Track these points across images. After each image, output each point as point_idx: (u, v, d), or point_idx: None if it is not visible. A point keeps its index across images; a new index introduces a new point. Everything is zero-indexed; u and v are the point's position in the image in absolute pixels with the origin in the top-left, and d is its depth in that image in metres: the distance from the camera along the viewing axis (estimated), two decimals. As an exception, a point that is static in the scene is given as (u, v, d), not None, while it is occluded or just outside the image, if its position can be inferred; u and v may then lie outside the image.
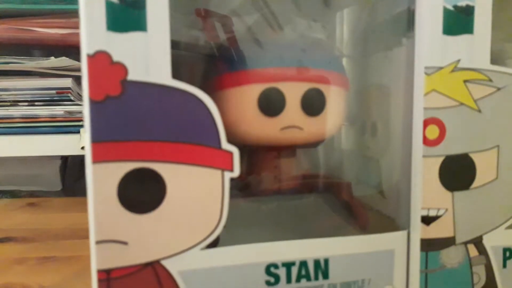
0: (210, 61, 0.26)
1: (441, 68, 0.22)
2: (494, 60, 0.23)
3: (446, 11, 0.22)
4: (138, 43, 0.19)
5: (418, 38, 0.22)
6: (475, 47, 0.22)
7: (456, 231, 0.22)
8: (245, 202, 0.26)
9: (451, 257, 0.22)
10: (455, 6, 0.22)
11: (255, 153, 0.26)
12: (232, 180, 0.21)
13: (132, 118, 0.19)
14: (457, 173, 0.22)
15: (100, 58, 0.19)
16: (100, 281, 0.19)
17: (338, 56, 0.28)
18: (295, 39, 0.26)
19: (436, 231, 0.22)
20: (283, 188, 0.27)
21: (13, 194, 0.49)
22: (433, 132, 0.22)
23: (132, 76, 0.19)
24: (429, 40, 0.22)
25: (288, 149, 0.26)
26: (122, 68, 0.19)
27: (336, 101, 0.25)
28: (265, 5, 0.25)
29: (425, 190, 0.22)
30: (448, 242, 0.22)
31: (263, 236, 0.22)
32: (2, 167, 0.50)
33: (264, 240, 0.21)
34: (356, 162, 0.30)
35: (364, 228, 0.25)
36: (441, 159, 0.22)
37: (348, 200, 0.27)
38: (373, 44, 0.28)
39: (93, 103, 0.19)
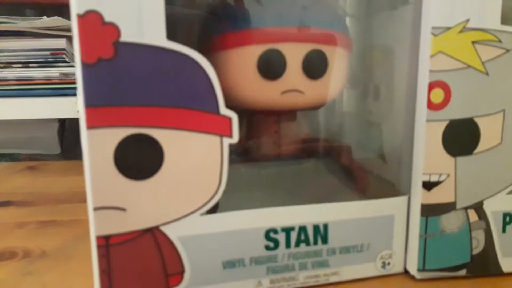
0: (206, 20, 0.24)
1: (449, 28, 0.21)
2: (505, 20, 0.22)
3: (456, -33, 0.20)
4: (130, 2, 0.18)
5: (426, -4, 0.21)
6: (485, 6, 0.21)
7: (457, 196, 0.22)
8: (245, 168, 0.25)
9: (451, 222, 0.22)
10: (466, -38, 0.21)
11: (254, 118, 0.25)
12: (231, 145, 0.20)
13: (127, 82, 0.19)
14: (461, 138, 0.21)
15: (91, 18, 0.18)
16: (99, 246, 0.19)
17: (341, 15, 0.27)
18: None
19: (437, 196, 0.22)
20: (283, 153, 0.26)
21: (12, 158, 0.49)
22: (438, 96, 0.21)
23: (125, 37, 0.18)
24: (436, -1, 0.21)
25: (288, 113, 0.25)
26: (114, 29, 0.18)
27: (339, 63, 0.24)
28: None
29: (428, 155, 0.21)
30: (448, 207, 0.22)
31: (263, 201, 0.22)
32: (0, 131, 0.49)
33: (263, 206, 0.21)
34: (357, 126, 0.30)
35: (363, 191, 0.25)
36: (445, 124, 0.21)
37: (348, 164, 0.27)
38: (377, 2, 0.27)
39: (85, 66, 0.18)
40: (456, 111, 0.21)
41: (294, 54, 0.23)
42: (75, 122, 0.51)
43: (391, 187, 0.24)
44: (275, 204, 0.21)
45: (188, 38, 0.23)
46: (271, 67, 0.23)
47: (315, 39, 0.23)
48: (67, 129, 0.51)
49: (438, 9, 0.21)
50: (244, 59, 0.23)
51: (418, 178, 0.22)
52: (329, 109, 0.28)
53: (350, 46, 0.25)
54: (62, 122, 0.51)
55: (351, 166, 0.27)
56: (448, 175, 0.22)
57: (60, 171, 0.40)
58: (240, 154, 0.26)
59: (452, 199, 0.22)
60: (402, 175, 0.23)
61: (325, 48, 0.23)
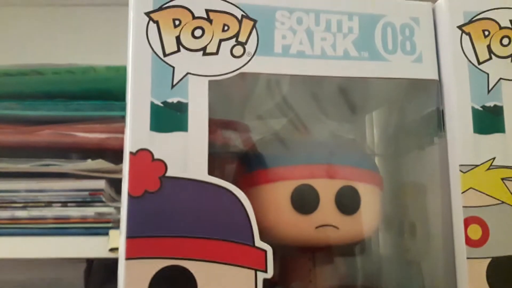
0: (242, 158, 0.27)
1: (476, 166, 0.23)
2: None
3: (474, 111, 0.23)
4: (178, 142, 0.21)
5: (450, 137, 0.23)
6: (509, 145, 0.23)
7: None
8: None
9: None
10: (483, 106, 0.23)
11: (289, 256, 0.26)
12: (265, 281, 0.21)
13: (168, 213, 0.20)
14: (507, 275, 0.21)
15: (142, 156, 0.21)
16: None
17: (369, 154, 0.29)
18: (326, 138, 0.27)
19: None
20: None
21: (34, 299, 0.48)
22: (475, 232, 0.22)
23: (170, 172, 0.20)
24: (461, 139, 0.23)
25: (324, 253, 0.25)
26: (162, 165, 0.21)
27: (371, 199, 0.25)
28: (292, 110, 0.27)
29: (474, 295, 0.21)
30: None
31: None
32: (27, 270, 0.50)
33: None
34: (396, 267, 0.29)
35: None
36: (487, 261, 0.21)
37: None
38: (404, 143, 0.29)
39: (132, 198, 0.20)
40: (497, 247, 0.21)
41: (327, 189, 0.24)
42: (102, 263, 0.51)
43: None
44: None
45: (225, 174, 0.26)
46: (304, 201, 0.24)
47: (346, 176, 0.25)
48: (94, 270, 0.51)
49: (463, 148, 0.23)
50: (278, 193, 0.24)
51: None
52: (366, 252, 0.28)
53: (381, 183, 0.26)
54: (90, 262, 0.51)
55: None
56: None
57: (83, 312, 0.39)
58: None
59: None
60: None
61: (357, 185, 0.25)
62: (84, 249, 0.43)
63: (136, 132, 0.21)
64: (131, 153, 0.20)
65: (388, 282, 0.29)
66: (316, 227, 0.24)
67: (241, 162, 0.27)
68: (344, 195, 0.24)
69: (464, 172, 0.22)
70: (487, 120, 0.23)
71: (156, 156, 0.20)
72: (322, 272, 0.26)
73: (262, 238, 0.21)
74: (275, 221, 0.24)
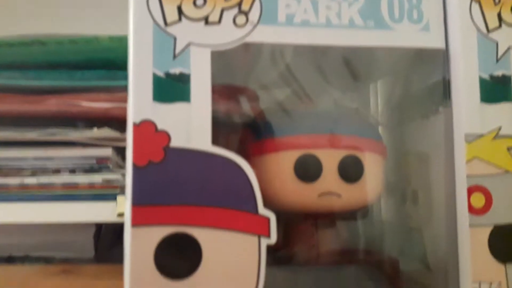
0: (246, 129, 0.27)
1: (481, 135, 0.22)
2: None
3: (482, 81, 0.22)
4: (181, 113, 0.20)
5: (456, 107, 0.23)
6: (515, 114, 0.23)
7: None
8: (282, 272, 0.25)
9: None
10: (491, 76, 0.22)
11: (293, 222, 0.26)
12: (268, 248, 0.21)
13: (172, 183, 0.20)
14: (509, 243, 0.21)
15: (146, 127, 0.20)
16: None
17: (373, 124, 0.28)
18: (330, 108, 0.27)
19: (490, 308, 0.20)
20: (322, 260, 0.26)
21: (46, 260, 0.49)
22: (478, 200, 0.22)
23: (174, 143, 0.20)
24: (467, 108, 0.22)
25: (326, 219, 0.26)
26: (165, 136, 0.20)
27: (374, 168, 0.25)
28: (295, 79, 0.27)
29: (475, 262, 0.21)
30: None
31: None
32: (38, 234, 0.51)
33: None
34: (397, 233, 0.29)
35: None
36: (489, 229, 0.21)
37: (395, 278, 0.26)
38: (408, 112, 0.29)
39: (136, 168, 0.20)
40: (499, 215, 0.21)
41: (330, 158, 0.24)
42: (111, 227, 0.52)
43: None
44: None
45: (229, 144, 0.25)
46: (307, 170, 0.24)
47: (349, 145, 0.25)
48: (103, 234, 0.52)
49: (468, 118, 0.22)
50: (282, 163, 0.24)
51: (467, 286, 0.21)
52: (368, 217, 0.28)
53: (384, 152, 0.26)
54: (98, 227, 0.52)
55: (397, 280, 0.26)
56: (500, 283, 0.21)
57: (94, 275, 0.40)
58: (277, 258, 0.26)
59: (507, 311, 0.20)
60: (449, 284, 0.22)
61: (360, 154, 0.25)
62: (93, 214, 0.44)
63: (138, 103, 0.20)
64: (134, 124, 0.20)
65: (389, 247, 0.29)
66: (319, 195, 0.24)
67: (245, 132, 0.27)
68: (346, 164, 0.24)
69: (470, 142, 0.22)
70: (495, 90, 0.22)
71: (159, 127, 0.20)
72: (324, 237, 0.26)
73: (267, 206, 0.21)
74: (279, 190, 0.24)
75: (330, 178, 0.24)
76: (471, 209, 0.21)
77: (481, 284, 0.21)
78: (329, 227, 0.26)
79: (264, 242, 0.20)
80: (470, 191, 0.22)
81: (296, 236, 0.26)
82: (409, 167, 0.28)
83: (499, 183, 0.22)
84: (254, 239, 0.20)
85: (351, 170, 0.24)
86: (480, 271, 0.21)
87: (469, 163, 0.22)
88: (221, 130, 0.25)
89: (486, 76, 0.22)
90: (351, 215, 0.26)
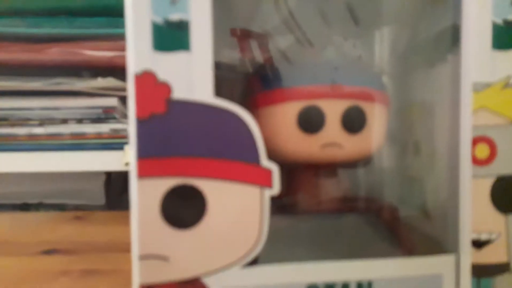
0: (250, 79, 0.26)
1: (490, 84, 0.21)
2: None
3: (495, 26, 0.21)
4: (182, 62, 0.20)
5: (465, 54, 0.21)
6: (526, 62, 0.21)
7: (511, 256, 0.21)
8: (285, 221, 0.25)
9: (506, 285, 0.20)
10: (504, 21, 0.21)
11: (295, 172, 0.26)
12: (272, 198, 0.21)
13: (176, 135, 0.20)
14: (510, 194, 0.21)
15: (146, 77, 0.19)
16: (142, 295, 0.19)
17: (378, 73, 0.27)
18: (334, 57, 0.25)
19: (488, 256, 0.20)
20: (324, 208, 0.26)
21: (60, 207, 0.51)
22: (483, 151, 0.21)
23: (176, 94, 0.19)
24: (477, 55, 0.21)
25: (328, 169, 0.25)
26: (167, 87, 0.20)
27: (377, 119, 0.25)
28: (298, 26, 0.25)
29: (476, 212, 0.21)
30: (502, 268, 0.20)
31: (302, 255, 0.21)
32: (51, 182, 0.52)
33: (303, 260, 0.21)
34: (398, 182, 0.29)
35: (409, 253, 0.24)
36: (492, 180, 0.21)
37: (394, 225, 0.26)
38: (415, 61, 0.27)
39: (139, 121, 0.19)
40: (503, 166, 0.21)
41: (333, 109, 0.23)
42: (120, 175, 0.53)
43: (437, 244, 0.23)
44: (315, 259, 0.21)
45: (232, 95, 0.25)
46: (310, 121, 0.23)
47: (353, 95, 0.24)
48: (113, 181, 0.53)
49: (478, 65, 0.21)
50: (284, 114, 0.23)
51: (466, 236, 0.21)
52: (369, 165, 0.28)
53: (387, 102, 0.25)
54: (108, 175, 0.53)
55: (396, 228, 0.26)
56: (500, 234, 0.20)
57: (105, 221, 0.41)
58: (281, 207, 0.26)
59: (505, 259, 0.20)
60: (448, 232, 0.22)
61: (363, 104, 0.24)
62: (101, 163, 0.44)
63: (138, 52, 0.19)
64: (135, 74, 0.19)
65: (390, 196, 0.29)
66: (321, 146, 0.23)
67: (249, 83, 0.26)
68: (350, 114, 0.24)
69: (478, 91, 0.21)
70: (508, 35, 0.21)
71: (160, 78, 0.19)
72: (326, 186, 0.26)
73: (271, 157, 0.20)
74: (283, 141, 0.24)
75: (332, 129, 0.23)
76: (474, 160, 0.21)
77: (481, 234, 0.20)
78: (331, 177, 0.26)
79: (267, 193, 0.20)
80: (475, 141, 0.21)
81: (298, 185, 0.26)
82: (413, 118, 0.27)
83: (505, 134, 0.21)
84: (257, 190, 0.20)
85: (354, 121, 0.24)
86: (480, 222, 0.20)
87: (476, 113, 0.21)
88: (225, 80, 0.24)
89: (499, 20, 0.21)
90: (353, 165, 0.26)
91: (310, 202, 0.25)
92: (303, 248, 0.24)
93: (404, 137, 0.28)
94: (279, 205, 0.25)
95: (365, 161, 0.26)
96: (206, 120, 0.20)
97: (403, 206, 0.27)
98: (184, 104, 0.20)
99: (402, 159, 0.29)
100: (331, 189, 0.26)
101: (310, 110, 0.23)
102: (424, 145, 0.26)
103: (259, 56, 0.26)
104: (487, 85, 0.21)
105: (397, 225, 0.26)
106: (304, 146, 0.23)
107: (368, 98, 0.24)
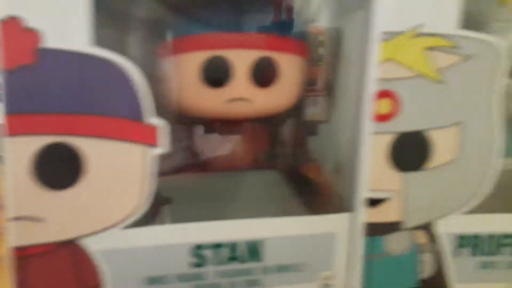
0: (149, 26, 0.23)
1: (400, 33, 0.19)
2: (473, 24, 0.20)
3: (405, -32, 0.18)
4: (54, 7, 0.17)
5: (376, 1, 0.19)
6: (441, 9, 0.19)
7: (405, 215, 0.19)
8: (195, 179, 0.24)
9: (396, 243, 0.19)
10: (415, -38, 0.18)
11: (204, 128, 0.24)
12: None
13: (48, 89, 0.17)
14: (410, 152, 0.19)
15: (12, 23, 0.17)
16: (16, 258, 0.17)
17: (293, 20, 0.24)
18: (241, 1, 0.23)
19: (382, 214, 0.19)
20: (238, 164, 0.24)
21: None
22: (385, 106, 0.19)
23: (48, 43, 0.17)
24: (389, 2, 0.19)
25: (235, 125, 0.23)
26: (36, 35, 0.17)
27: (291, 70, 0.22)
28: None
29: (374, 170, 0.19)
30: (394, 227, 0.19)
31: (210, 214, 0.20)
32: None
33: (211, 219, 0.19)
34: (321, 137, 0.27)
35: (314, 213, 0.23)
36: (392, 136, 0.19)
37: (315, 182, 0.24)
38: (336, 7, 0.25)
39: (6, 72, 0.17)
40: (405, 123, 0.19)
41: (241, 61, 0.21)
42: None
43: (339, 203, 0.21)
44: (216, 218, 0.19)
45: (127, 45, 0.22)
46: (215, 74, 0.21)
47: (264, 45, 0.21)
48: None
49: (389, 13, 0.19)
50: (186, 65, 0.21)
51: (361, 194, 0.19)
52: (285, 122, 0.26)
53: (305, 52, 0.23)
54: None
55: (316, 184, 0.24)
56: (395, 192, 0.19)
57: None
58: (191, 164, 0.24)
59: (398, 218, 0.19)
60: (346, 190, 0.20)
61: (276, 55, 0.21)
62: None
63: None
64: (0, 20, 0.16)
65: (311, 148, 0.27)
66: (228, 101, 0.21)
67: (147, 31, 0.23)
68: (260, 66, 0.21)
69: (387, 41, 0.19)
70: (419, -21, 0.18)
71: (28, 24, 0.17)
72: (242, 141, 0.24)
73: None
74: (184, 95, 0.21)
75: (240, 82, 0.21)
76: (376, 115, 0.19)
77: (376, 192, 0.19)
78: (241, 133, 0.24)
79: (152, 151, 0.18)
80: (380, 96, 0.19)
81: (205, 143, 0.24)
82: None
83: (410, 88, 0.19)
84: (139, 149, 0.18)
85: (264, 74, 0.21)
86: (376, 179, 0.19)
87: (383, 66, 0.19)
88: (115, 28, 0.21)
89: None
90: (265, 120, 0.24)
91: (218, 160, 0.24)
92: (211, 206, 0.22)
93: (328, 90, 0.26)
94: (185, 164, 0.23)
95: (279, 116, 0.24)
96: (81, 72, 0.17)
97: (326, 163, 0.25)
98: (56, 54, 0.17)
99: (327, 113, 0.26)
100: (246, 144, 0.24)
101: (215, 61, 0.21)
102: (340, 99, 0.24)
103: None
104: (397, 34, 0.19)
105: (319, 182, 0.24)
106: (207, 100, 0.21)
107: (282, 48, 0.22)
